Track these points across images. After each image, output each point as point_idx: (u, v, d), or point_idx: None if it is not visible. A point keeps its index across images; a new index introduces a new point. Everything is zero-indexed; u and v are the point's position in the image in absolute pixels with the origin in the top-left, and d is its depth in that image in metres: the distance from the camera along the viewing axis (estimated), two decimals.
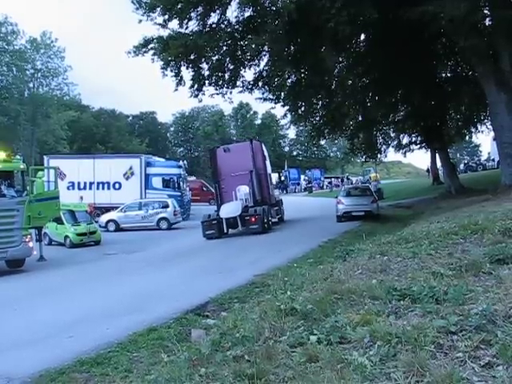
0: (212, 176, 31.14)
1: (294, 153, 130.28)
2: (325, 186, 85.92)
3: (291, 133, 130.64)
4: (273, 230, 27.97)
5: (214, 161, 29.90)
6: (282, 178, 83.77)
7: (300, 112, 33.89)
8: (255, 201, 28.16)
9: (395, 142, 42.64)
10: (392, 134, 42.09)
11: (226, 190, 28.93)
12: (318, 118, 35.92)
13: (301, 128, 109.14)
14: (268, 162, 32.53)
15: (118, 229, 34.69)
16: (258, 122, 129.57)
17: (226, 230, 26.48)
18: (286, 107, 32.52)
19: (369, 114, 34.19)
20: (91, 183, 40.87)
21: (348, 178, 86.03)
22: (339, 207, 28.84)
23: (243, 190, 28.04)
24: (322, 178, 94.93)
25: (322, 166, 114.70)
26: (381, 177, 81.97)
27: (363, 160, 47.99)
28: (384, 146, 42.71)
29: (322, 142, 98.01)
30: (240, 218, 26.45)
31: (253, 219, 26.32)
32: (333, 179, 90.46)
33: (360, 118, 36.76)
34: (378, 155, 42.93)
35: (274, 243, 22.37)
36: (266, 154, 32.11)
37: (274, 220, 30.06)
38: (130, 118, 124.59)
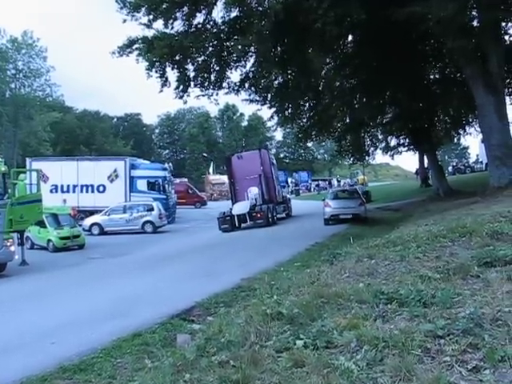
0: (228, 179, 37.34)
1: (281, 155, 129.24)
2: (312, 189, 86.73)
3: (278, 135, 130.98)
4: (277, 223, 32.96)
5: (229, 166, 36.07)
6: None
7: (287, 114, 34.34)
8: (264, 200, 33.54)
9: (383, 144, 43.18)
10: (380, 136, 42.35)
11: (239, 191, 34.61)
12: (305, 120, 36.17)
13: (288, 130, 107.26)
14: (275, 167, 38.90)
15: (103, 232, 34.60)
16: (245, 123, 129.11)
17: (237, 224, 31.76)
18: (273, 109, 33.14)
19: (356, 116, 34.31)
20: (75, 186, 40.60)
21: (338, 181, 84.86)
22: (326, 210, 29.15)
23: (253, 191, 33.27)
24: (310, 180, 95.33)
25: (309, 168, 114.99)
26: (369, 179, 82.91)
27: (351, 162, 47.23)
28: (372, 148, 42.93)
29: (310, 144, 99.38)
30: (248, 215, 31.84)
31: (259, 215, 31.84)
32: (320, 182, 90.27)
33: (348, 120, 36.74)
34: (366, 157, 43.14)
35: (262, 245, 22.67)
36: (273, 160, 38.68)
37: (281, 215, 36.70)
38: (115, 119, 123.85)
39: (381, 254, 10.10)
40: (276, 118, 34.91)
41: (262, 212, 32.05)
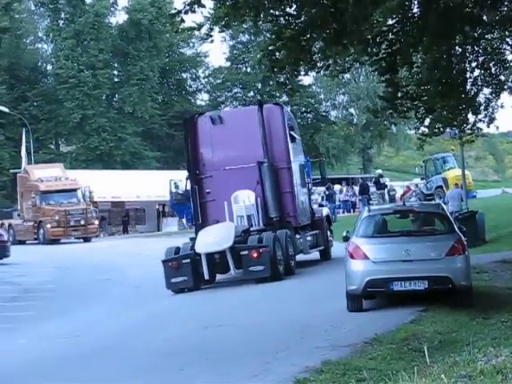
0: (187, 169, 20.90)
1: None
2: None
3: (216, 53, 71.98)
4: (295, 274, 18.55)
5: (191, 140, 19.96)
6: (187, 187, 30.35)
7: None
8: (268, 219, 19.05)
9: None
10: None
11: (213, 198, 19.51)
12: (293, 10, 14.09)
13: (243, 38, 61.00)
14: (298, 145, 21.79)
15: None
16: (120, 18, 62.38)
17: (207, 276, 17.49)
18: None
19: None
20: None
21: (381, 184, 40.02)
22: (355, 269, 13.19)
23: (244, 199, 19.07)
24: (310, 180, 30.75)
25: (304, 148, 46.21)
26: (474, 180, 44.42)
27: (423, 132, 19.31)
28: (487, 90, 18.34)
29: (308, 80, 56.99)
30: (232, 254, 17.36)
31: (254, 254, 17.44)
32: (338, 187, 44.32)
33: (416, 7, 15.12)
34: (469, 117, 18.43)
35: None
36: (294, 129, 21.45)
37: (310, 254, 20.59)
38: None
39: None
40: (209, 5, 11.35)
41: (261, 248, 17.53)
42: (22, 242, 34.61)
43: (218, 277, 18.43)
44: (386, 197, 38.77)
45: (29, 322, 15.54)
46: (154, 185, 43.92)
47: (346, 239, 13.89)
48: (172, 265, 17.59)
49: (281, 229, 18.72)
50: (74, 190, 36.28)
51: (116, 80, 61.77)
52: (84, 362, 10.82)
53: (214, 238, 17.72)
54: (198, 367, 9.89)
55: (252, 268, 17.43)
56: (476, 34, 16.56)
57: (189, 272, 17.44)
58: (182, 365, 10.00)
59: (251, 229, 18.67)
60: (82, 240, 35.35)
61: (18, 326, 14.97)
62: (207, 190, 19.64)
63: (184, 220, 41.65)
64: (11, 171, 42.81)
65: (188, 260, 17.53)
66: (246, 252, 17.51)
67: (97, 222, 36.97)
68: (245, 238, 18.02)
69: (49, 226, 34.43)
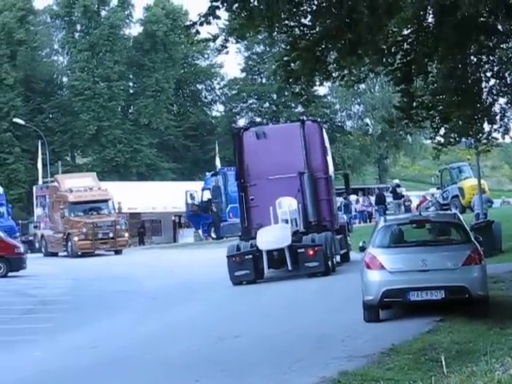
0: (235, 178, 23.90)
1: (242, 121, 61.59)
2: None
3: (231, 64, 74.02)
4: (336, 272, 20.81)
5: (238, 152, 22.14)
6: (203, 198, 40.11)
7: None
8: (307, 223, 21.11)
9: None
10: None
11: (257, 204, 21.50)
12: (308, 21, 14.05)
13: (258, 49, 61.05)
14: (330, 159, 24.10)
15: None
16: (135, 30, 62.48)
17: (266, 270, 20.10)
18: None
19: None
20: None
21: (398, 194, 40.47)
22: (372, 279, 13.11)
23: (288, 205, 20.89)
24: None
25: None
26: (490, 189, 42.56)
27: (438, 141, 18.82)
28: (502, 99, 17.92)
29: (323, 90, 56.32)
30: (290, 252, 19.60)
31: (310, 252, 19.74)
32: (354, 197, 42.36)
33: (431, 16, 14.64)
34: (485, 126, 18.29)
35: None
36: (327, 144, 23.68)
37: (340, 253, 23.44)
38: None
39: None
40: (224, 15, 11.81)
41: (316, 247, 19.59)
42: (55, 254, 34.01)
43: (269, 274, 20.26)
44: (402, 207, 39.23)
45: (44, 333, 15.29)
46: (169, 196, 44.05)
47: (363, 249, 14.05)
48: (235, 260, 19.77)
49: (319, 232, 20.51)
50: (105, 200, 34.60)
51: (131, 92, 62.24)
52: (100, 374, 10.80)
53: (273, 238, 19.74)
54: (213, 379, 9.85)
55: (308, 264, 19.55)
56: (491, 44, 16.56)
57: (250, 266, 19.55)
58: (197, 376, 9.96)
59: (299, 230, 20.62)
60: (113, 252, 33.80)
61: (33, 338, 14.76)
62: (251, 197, 21.47)
63: (200, 231, 41.95)
64: (44, 180, 41.23)
65: (250, 256, 19.61)
66: (302, 250, 19.65)
67: (127, 235, 35.43)
68: (298, 238, 20.04)
69: (76, 238, 32.66)
